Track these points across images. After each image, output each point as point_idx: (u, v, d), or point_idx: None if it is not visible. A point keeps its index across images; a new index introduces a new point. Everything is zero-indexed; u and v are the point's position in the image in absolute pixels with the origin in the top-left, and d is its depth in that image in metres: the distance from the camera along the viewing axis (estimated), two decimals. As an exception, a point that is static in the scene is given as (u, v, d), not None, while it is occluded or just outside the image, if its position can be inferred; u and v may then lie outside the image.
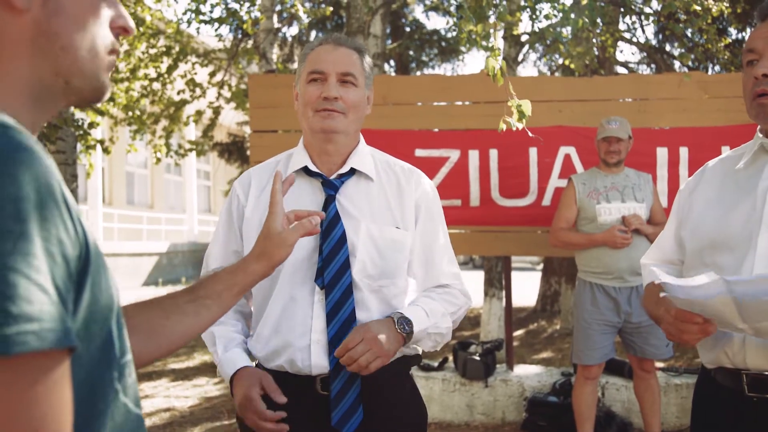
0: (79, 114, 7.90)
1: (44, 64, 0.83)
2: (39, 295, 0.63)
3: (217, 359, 1.81)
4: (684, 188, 1.78)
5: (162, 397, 5.79)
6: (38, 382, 0.64)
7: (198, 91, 8.92)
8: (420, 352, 1.90)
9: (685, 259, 1.70)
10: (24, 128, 0.72)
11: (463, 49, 8.91)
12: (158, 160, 9.00)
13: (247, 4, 8.10)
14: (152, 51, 8.85)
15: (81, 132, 7.57)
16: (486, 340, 5.35)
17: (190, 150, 9.15)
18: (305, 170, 1.83)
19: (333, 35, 1.87)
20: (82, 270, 0.73)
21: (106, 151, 8.03)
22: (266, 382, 1.69)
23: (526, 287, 13.80)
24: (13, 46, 0.81)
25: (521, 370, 5.13)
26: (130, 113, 8.81)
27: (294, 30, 10.12)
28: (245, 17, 8.26)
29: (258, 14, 7.83)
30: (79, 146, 7.79)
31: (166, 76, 8.81)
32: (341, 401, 1.71)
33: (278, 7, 8.71)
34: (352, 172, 1.85)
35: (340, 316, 1.73)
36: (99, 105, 4.98)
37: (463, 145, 4.69)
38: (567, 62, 6.93)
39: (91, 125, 7.47)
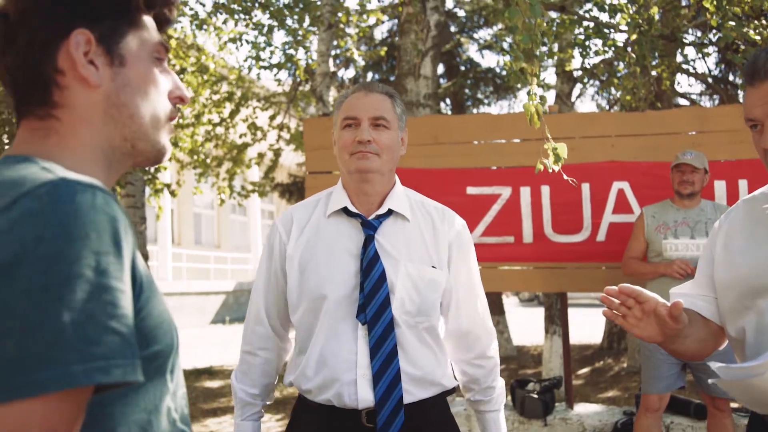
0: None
1: (115, 130, 0.95)
2: (112, 336, 0.74)
3: (234, 421, 1.96)
4: (716, 226, 1.77)
5: (224, 434, 5.91)
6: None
7: (259, 134, 9.24)
8: (456, 383, 1.96)
9: (724, 300, 1.67)
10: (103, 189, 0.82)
11: (518, 86, 8.97)
12: (222, 201, 9.31)
13: (303, 50, 8.40)
14: (215, 97, 9.22)
15: (149, 177, 7.92)
16: (545, 378, 5.28)
17: (252, 191, 9.43)
18: (345, 210, 1.91)
19: (365, 83, 1.97)
20: (146, 292, 0.84)
21: (172, 194, 8.35)
22: None
23: (591, 324, 13.50)
24: (89, 115, 0.94)
25: (582, 408, 5.03)
26: (195, 157, 9.17)
27: (350, 72, 10.40)
28: (303, 62, 8.55)
29: (314, 59, 8.10)
30: (148, 190, 8.14)
31: (228, 120, 9.16)
32: (387, 432, 1.76)
33: (334, 51, 8.97)
34: (390, 212, 1.91)
35: (383, 351, 1.79)
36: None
37: (515, 182, 4.71)
38: (623, 97, 6.90)
39: (158, 170, 7.80)
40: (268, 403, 2.03)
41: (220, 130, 9.35)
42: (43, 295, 0.71)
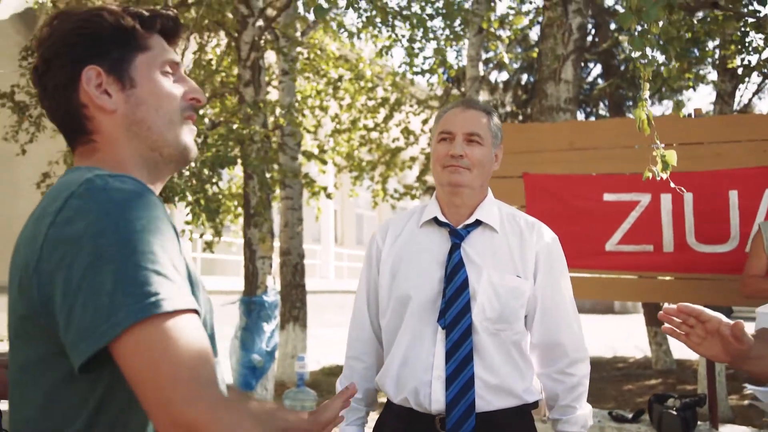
0: (305, 168, 8.82)
1: (141, 143, 1.14)
2: (159, 278, 0.94)
3: (339, 426, 2.04)
4: None
5: None
6: (186, 327, 0.93)
7: (412, 138, 9.49)
8: (540, 397, 1.98)
9: None
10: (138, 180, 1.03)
11: (682, 86, 8.50)
12: (375, 204, 9.68)
13: (455, 54, 8.53)
14: (371, 103, 9.60)
15: (307, 180, 8.43)
16: (685, 394, 5.02)
17: (405, 194, 9.71)
18: (435, 220, 2.02)
19: (465, 99, 2.07)
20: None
21: (328, 196, 8.81)
22: None
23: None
24: (116, 135, 1.14)
25: (728, 430, 4.73)
26: (351, 161, 9.62)
27: (504, 76, 10.39)
28: (455, 66, 8.68)
29: (464, 63, 8.20)
30: (306, 192, 8.66)
31: (383, 125, 9.51)
32: (455, 435, 1.85)
33: (486, 55, 9.02)
34: (478, 223, 2.00)
35: (458, 355, 1.88)
36: (300, 155, 5.44)
37: (654, 189, 4.53)
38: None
39: (308, 178, 8.19)
40: (371, 410, 2.11)
41: (374, 134, 9.72)
42: (101, 261, 0.92)
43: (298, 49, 8.07)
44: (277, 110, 6.25)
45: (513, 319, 1.92)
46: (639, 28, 2.76)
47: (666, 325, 1.50)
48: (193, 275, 1.05)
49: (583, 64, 9.16)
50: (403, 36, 7.23)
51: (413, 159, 9.69)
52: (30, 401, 1.01)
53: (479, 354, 1.89)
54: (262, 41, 5.84)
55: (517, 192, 4.79)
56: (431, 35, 7.38)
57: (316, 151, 8.87)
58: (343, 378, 2.10)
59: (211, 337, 1.10)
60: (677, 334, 1.50)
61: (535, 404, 1.98)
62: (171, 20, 1.21)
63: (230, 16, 6.42)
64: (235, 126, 5.41)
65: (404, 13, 6.43)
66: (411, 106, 9.83)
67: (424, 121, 9.54)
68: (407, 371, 1.92)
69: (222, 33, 7.24)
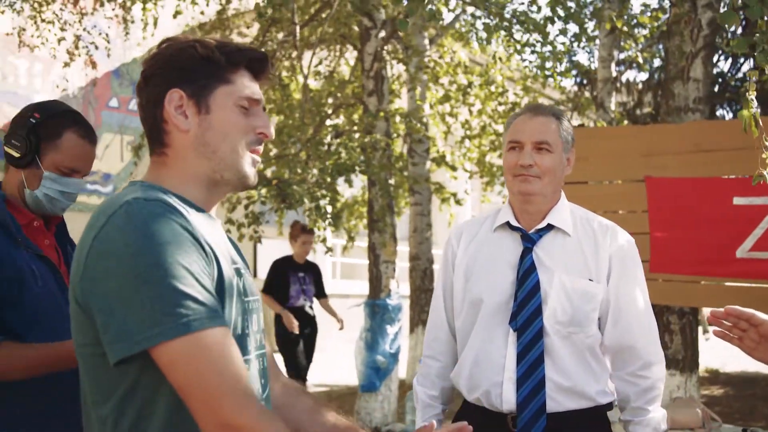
0: (438, 175, 8.95)
1: (205, 163, 1.30)
2: (188, 301, 1.10)
3: (416, 422, 2.15)
4: None
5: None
6: (219, 342, 1.11)
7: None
8: (613, 399, 1.97)
9: None
10: (173, 204, 1.19)
11: None
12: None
13: (588, 55, 8.31)
14: (501, 108, 9.55)
15: (436, 186, 8.54)
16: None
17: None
18: (508, 225, 2.06)
19: (533, 105, 2.10)
20: (218, 294, 1.18)
21: (458, 203, 8.87)
22: None
23: None
24: (184, 152, 1.30)
25: None
26: (482, 167, 9.61)
27: (643, 75, 9.93)
28: (588, 65, 8.46)
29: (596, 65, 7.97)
30: (435, 199, 8.77)
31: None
32: (526, 435, 1.89)
33: (621, 55, 8.71)
34: (550, 227, 2.02)
35: (529, 357, 1.92)
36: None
37: (790, 192, 4.22)
38: None
39: (437, 185, 8.28)
40: (446, 408, 2.18)
41: (505, 139, 9.65)
42: (139, 280, 1.09)
43: (426, 56, 8.21)
44: (397, 118, 6.41)
45: (585, 322, 1.92)
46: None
47: (716, 329, 1.47)
48: (227, 282, 1.21)
49: (731, 60, 8.61)
50: (518, 42, 7.16)
51: (545, 163, 9.50)
52: (82, 375, 1.22)
53: (551, 356, 1.92)
54: (384, 51, 6.04)
55: (639, 196, 4.63)
56: (550, 39, 7.25)
57: (447, 158, 8.96)
58: (420, 376, 2.18)
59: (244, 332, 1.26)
60: (730, 338, 1.46)
61: (609, 406, 1.97)
62: (258, 58, 1.35)
63: (356, 29, 6.69)
64: (357, 135, 5.63)
65: (521, 18, 6.39)
66: (542, 109, 9.67)
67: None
68: (479, 372, 1.98)
69: (349, 45, 7.53)
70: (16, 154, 1.89)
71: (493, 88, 9.44)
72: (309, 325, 6.24)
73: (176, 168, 1.30)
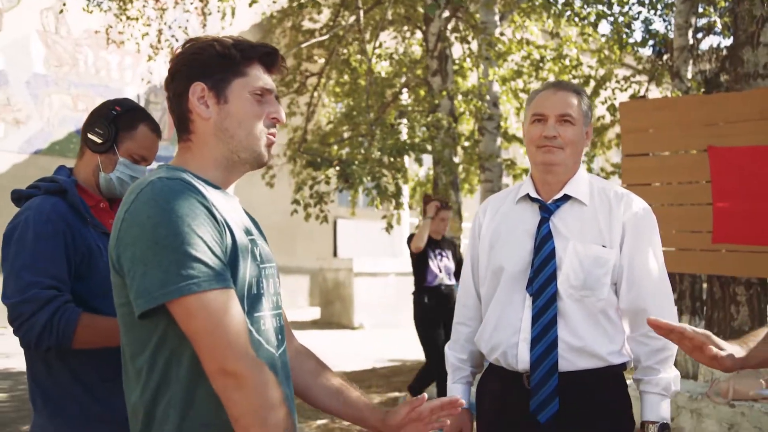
0: (505, 152, 8.95)
1: (224, 146, 1.50)
2: (199, 264, 1.30)
3: (447, 384, 2.29)
4: None
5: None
6: (224, 302, 1.31)
7: (618, 114, 9.16)
8: (628, 359, 2.07)
9: None
10: (192, 182, 1.39)
11: None
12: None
13: (665, 23, 8.07)
14: (575, 82, 9.43)
15: (508, 162, 8.56)
16: None
17: (613, 173, 9.41)
18: (528, 196, 2.18)
19: (555, 81, 2.19)
20: (230, 263, 1.37)
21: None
22: (465, 430, 2.21)
23: None
24: (206, 137, 1.50)
25: None
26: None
27: (726, 41, 9.50)
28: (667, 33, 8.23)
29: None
30: (506, 174, 8.80)
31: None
32: (539, 392, 2.01)
33: (699, 22, 8.41)
34: (567, 197, 2.12)
35: (543, 320, 2.03)
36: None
37: None
38: None
39: (508, 161, 8.29)
40: (476, 371, 2.31)
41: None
42: (158, 246, 1.30)
43: (497, 32, 8.22)
44: (459, 97, 6.48)
45: (596, 286, 2.02)
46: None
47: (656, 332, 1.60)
48: (240, 249, 1.40)
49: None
50: (587, 16, 7.06)
51: (620, 137, 9.32)
52: (122, 332, 1.44)
53: (564, 318, 2.03)
54: (448, 31, 6.12)
55: (701, 167, 4.56)
56: (608, 11, 7.10)
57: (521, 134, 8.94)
58: (452, 342, 2.32)
59: (258, 290, 1.45)
60: (671, 339, 1.59)
61: (623, 366, 2.07)
62: (270, 53, 1.54)
63: (420, 10, 6.79)
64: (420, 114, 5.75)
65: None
66: (617, 82, 9.47)
67: (632, 97, 9.12)
68: (498, 334, 2.11)
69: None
70: (99, 140, 2.13)
71: (567, 62, 9.33)
72: (450, 303, 5.48)
73: (199, 152, 1.50)
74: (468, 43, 7.24)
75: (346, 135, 7.14)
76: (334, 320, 12.02)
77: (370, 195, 5.61)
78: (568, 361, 2.01)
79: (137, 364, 1.40)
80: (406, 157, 6.79)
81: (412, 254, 5.78)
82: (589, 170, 9.41)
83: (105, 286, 2.00)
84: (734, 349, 1.58)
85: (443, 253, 5.83)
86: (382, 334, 11.00)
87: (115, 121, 2.14)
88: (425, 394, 1.64)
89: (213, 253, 1.34)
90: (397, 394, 6.40)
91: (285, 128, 8.54)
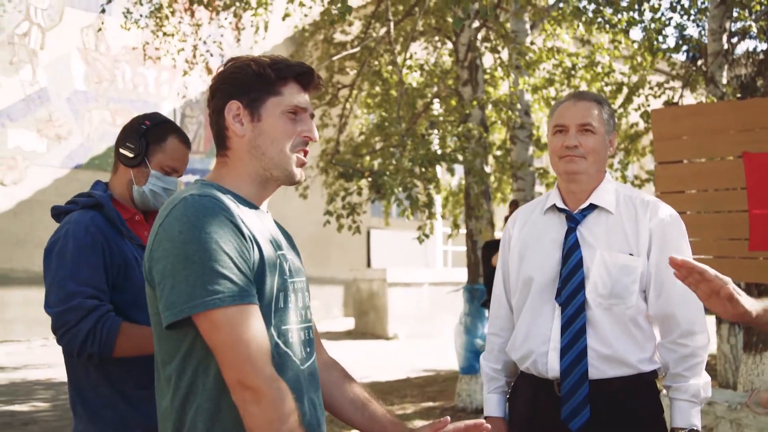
0: (538, 161, 8.92)
1: (257, 163, 1.55)
2: (224, 280, 1.35)
3: (483, 394, 2.31)
4: None
5: None
6: (248, 317, 1.36)
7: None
8: (659, 366, 2.07)
9: None
10: (222, 199, 1.44)
11: None
12: (616, 191, 9.40)
13: (699, 29, 7.99)
14: (607, 89, 9.36)
15: (540, 171, 8.53)
16: None
17: (647, 180, 9.31)
18: (555, 207, 2.19)
19: (576, 92, 2.21)
20: (258, 277, 1.42)
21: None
22: None
23: None
24: (241, 154, 1.55)
25: None
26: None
27: (764, 45, 9.34)
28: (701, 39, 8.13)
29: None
30: (539, 183, 8.76)
31: (621, 110, 9.22)
32: (570, 399, 2.02)
33: (734, 26, 8.29)
34: (593, 207, 2.13)
35: (572, 329, 2.05)
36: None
37: None
38: None
39: (540, 170, 8.26)
40: (511, 380, 2.29)
41: (612, 121, 9.45)
42: (187, 261, 1.35)
43: (528, 41, 8.21)
44: (489, 106, 6.49)
45: (625, 294, 2.03)
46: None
47: (676, 272, 1.58)
48: (267, 264, 1.45)
49: None
50: (618, 23, 7.01)
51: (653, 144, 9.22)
52: (155, 341, 1.49)
53: (593, 327, 2.04)
54: (478, 41, 6.14)
55: (737, 173, 4.50)
56: (639, 18, 7.04)
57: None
58: (486, 353, 2.34)
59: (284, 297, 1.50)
60: (688, 283, 1.58)
61: (654, 373, 2.07)
62: (305, 72, 1.59)
63: (450, 20, 6.83)
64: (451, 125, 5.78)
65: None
66: (651, 88, 9.37)
67: (666, 103, 9.02)
68: (528, 344, 2.12)
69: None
70: (130, 155, 2.19)
71: (599, 69, 9.27)
72: None
73: (234, 167, 1.56)
74: (498, 52, 7.25)
75: (378, 146, 7.19)
76: (368, 330, 12.06)
77: (402, 206, 5.64)
78: (598, 369, 2.02)
79: (167, 371, 1.45)
80: (438, 167, 6.84)
81: (487, 265, 5.45)
82: (624, 178, 9.32)
83: (141, 297, 2.05)
84: (750, 301, 1.59)
85: None
86: (416, 344, 11.00)
87: (145, 135, 2.20)
88: (448, 417, 1.66)
89: (239, 269, 1.38)
90: (431, 404, 6.40)
91: (318, 140, 8.61)
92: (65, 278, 2.00)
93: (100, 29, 7.81)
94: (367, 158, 7.86)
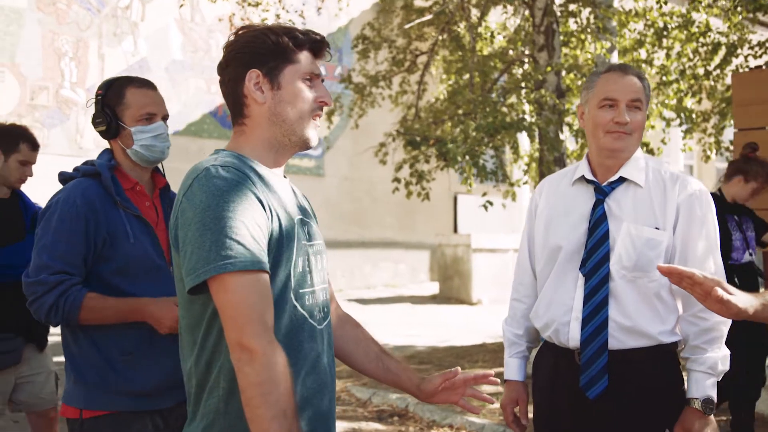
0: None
1: (276, 129, 1.63)
2: (238, 246, 1.45)
3: (504, 358, 2.38)
4: None
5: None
6: (255, 282, 1.46)
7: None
8: (680, 338, 2.08)
9: None
10: (243, 169, 1.54)
11: None
12: (708, 158, 9.01)
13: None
14: (702, 50, 8.90)
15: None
16: None
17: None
18: (584, 178, 2.21)
19: (619, 64, 2.19)
20: (277, 243, 1.53)
21: (651, 153, 8.50)
22: (521, 402, 2.28)
23: None
24: (261, 121, 1.63)
25: None
26: (682, 112, 9.05)
27: None
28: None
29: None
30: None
31: (717, 72, 8.75)
32: (589, 368, 2.06)
33: None
34: (622, 179, 2.13)
35: (595, 299, 2.08)
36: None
37: None
38: None
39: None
40: (532, 346, 2.37)
41: (706, 83, 9.00)
42: (205, 228, 1.46)
43: (617, 2, 7.91)
44: (563, 72, 6.34)
45: (649, 267, 2.04)
46: None
47: (669, 278, 1.59)
48: (285, 231, 1.54)
49: None
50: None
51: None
52: (180, 306, 1.61)
53: (615, 299, 2.06)
54: (554, 5, 6.00)
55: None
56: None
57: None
58: (508, 318, 2.40)
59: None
60: (683, 287, 1.57)
61: (674, 345, 2.08)
62: (318, 41, 1.66)
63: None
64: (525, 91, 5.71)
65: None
66: (751, 47, 8.83)
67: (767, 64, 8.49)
68: (551, 312, 2.17)
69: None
70: (103, 128, 2.22)
71: (695, 28, 8.81)
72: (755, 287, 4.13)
73: (252, 135, 1.64)
74: (575, 16, 7.02)
75: (450, 113, 7.18)
76: (452, 295, 12.15)
77: (465, 173, 5.65)
78: (618, 340, 2.05)
79: (194, 336, 1.56)
80: (519, 134, 6.75)
81: None
82: (718, 142, 8.89)
83: (127, 265, 2.15)
84: (745, 298, 1.58)
85: (743, 222, 4.27)
86: (499, 310, 11.00)
87: (105, 103, 2.21)
88: (458, 368, 1.76)
89: (253, 237, 1.46)
90: (501, 369, 6.46)
91: (398, 106, 8.71)
92: (43, 248, 2.12)
93: (181, 5, 8.08)
94: (442, 126, 7.85)
